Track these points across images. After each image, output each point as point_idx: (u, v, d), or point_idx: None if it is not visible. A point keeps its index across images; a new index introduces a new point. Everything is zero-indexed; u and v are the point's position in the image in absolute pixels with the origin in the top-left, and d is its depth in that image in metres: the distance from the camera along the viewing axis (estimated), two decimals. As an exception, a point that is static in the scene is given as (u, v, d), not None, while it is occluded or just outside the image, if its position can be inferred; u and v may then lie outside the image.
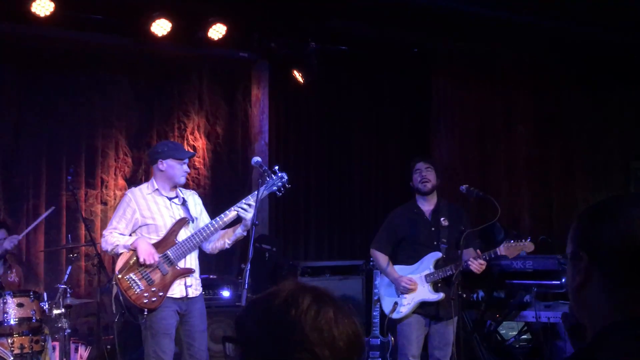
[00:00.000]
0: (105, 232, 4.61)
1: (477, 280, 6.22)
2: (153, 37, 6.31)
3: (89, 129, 6.67)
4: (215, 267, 6.60)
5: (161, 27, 6.27)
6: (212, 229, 4.53)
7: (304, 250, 7.55)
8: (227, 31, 6.52)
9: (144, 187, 4.67)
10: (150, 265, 4.41)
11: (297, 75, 7.08)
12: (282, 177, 4.55)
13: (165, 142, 5.43)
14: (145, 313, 4.41)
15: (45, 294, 5.31)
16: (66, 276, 5.47)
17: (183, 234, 4.55)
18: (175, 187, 4.65)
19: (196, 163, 6.99)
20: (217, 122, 7.21)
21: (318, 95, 7.54)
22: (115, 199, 6.67)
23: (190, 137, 6.99)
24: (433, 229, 4.95)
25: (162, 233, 4.53)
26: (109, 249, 4.50)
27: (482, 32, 7.55)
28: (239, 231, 4.59)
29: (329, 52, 7.23)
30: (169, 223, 4.54)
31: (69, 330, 5.18)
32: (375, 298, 5.73)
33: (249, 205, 4.46)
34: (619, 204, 1.43)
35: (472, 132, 8.25)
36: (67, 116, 6.59)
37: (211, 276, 6.25)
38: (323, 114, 7.73)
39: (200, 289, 4.66)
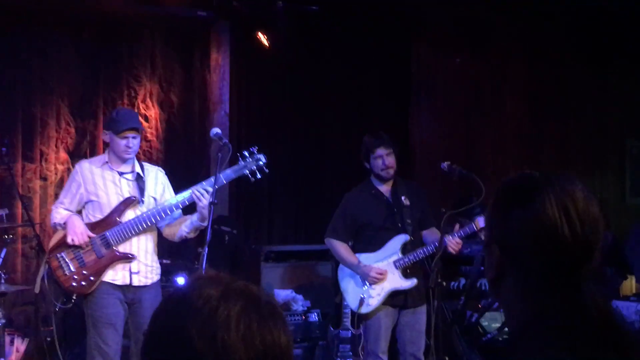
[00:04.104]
0: (53, 207, 4.79)
1: (459, 266, 6.52)
2: (100, -9, 6.39)
3: (26, 95, 6.74)
4: (169, 250, 6.63)
5: (110, -20, 6.37)
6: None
7: (268, 233, 7.66)
8: (184, -14, 6.64)
9: (96, 160, 4.80)
10: (83, 246, 4.55)
11: (262, 37, 7.16)
12: (258, 160, 4.61)
13: (116, 109, 5.44)
14: (74, 298, 4.55)
15: (-25, 281, 5.43)
16: (0, 260, 5.62)
17: (130, 215, 4.62)
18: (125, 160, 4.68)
19: (148, 135, 7.11)
20: (172, 90, 7.32)
21: (285, 60, 7.54)
22: (56, 174, 6.79)
23: (141, 105, 7.10)
24: (395, 209, 5.17)
25: (107, 211, 4.61)
26: (53, 225, 4.71)
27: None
28: (195, 220, 4.59)
29: (299, 11, 7.23)
30: (115, 201, 4.61)
31: (3, 321, 5.30)
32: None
33: (207, 190, 4.44)
34: (535, 183, 1.38)
35: (457, 106, 8.42)
36: (0, 81, 6.66)
37: (164, 261, 6.28)
38: (291, 82, 7.77)
39: (154, 277, 4.75)
